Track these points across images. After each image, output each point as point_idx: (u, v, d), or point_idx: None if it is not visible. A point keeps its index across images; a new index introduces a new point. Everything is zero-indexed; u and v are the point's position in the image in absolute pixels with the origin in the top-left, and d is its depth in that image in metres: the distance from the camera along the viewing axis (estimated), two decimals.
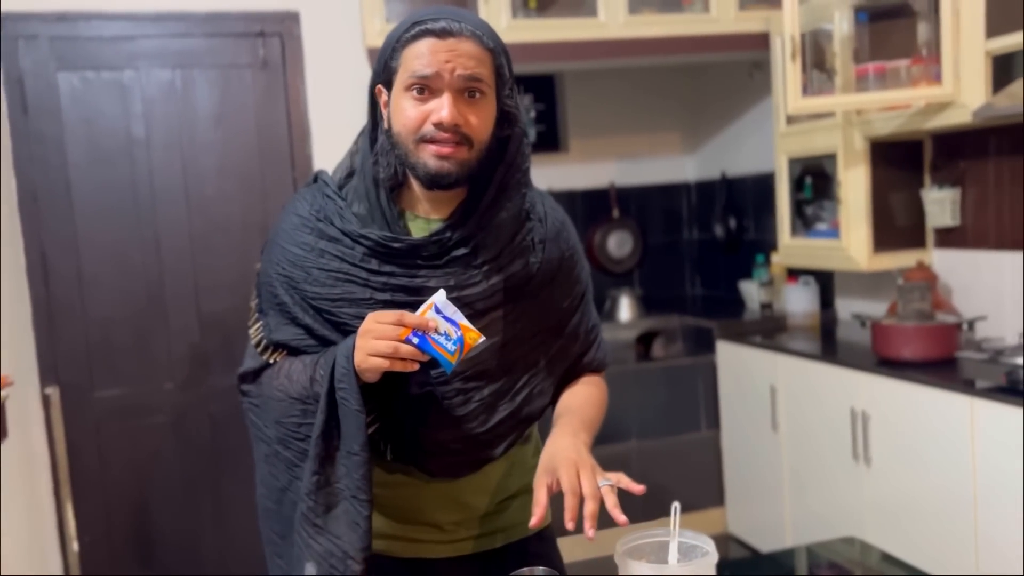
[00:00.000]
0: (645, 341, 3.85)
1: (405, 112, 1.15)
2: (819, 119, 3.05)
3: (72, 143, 2.84)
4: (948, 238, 2.93)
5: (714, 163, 4.22)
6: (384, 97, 1.19)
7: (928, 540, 2.42)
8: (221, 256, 3.00)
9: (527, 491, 1.34)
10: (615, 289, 4.03)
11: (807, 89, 2.79)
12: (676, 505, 1.11)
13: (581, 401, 1.31)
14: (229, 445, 3.01)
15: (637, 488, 1.09)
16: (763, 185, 3.75)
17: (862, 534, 2.60)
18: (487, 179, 1.21)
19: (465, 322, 1.12)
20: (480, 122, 1.16)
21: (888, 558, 1.47)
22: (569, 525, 1.04)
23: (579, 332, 1.35)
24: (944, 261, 2.94)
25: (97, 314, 2.89)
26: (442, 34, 1.12)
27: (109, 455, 2.92)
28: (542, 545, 1.40)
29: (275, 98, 3.01)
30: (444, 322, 1.12)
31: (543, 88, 4.27)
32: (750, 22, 3.37)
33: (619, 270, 4.25)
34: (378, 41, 3.03)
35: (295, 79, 3.02)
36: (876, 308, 3.18)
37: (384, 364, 1.11)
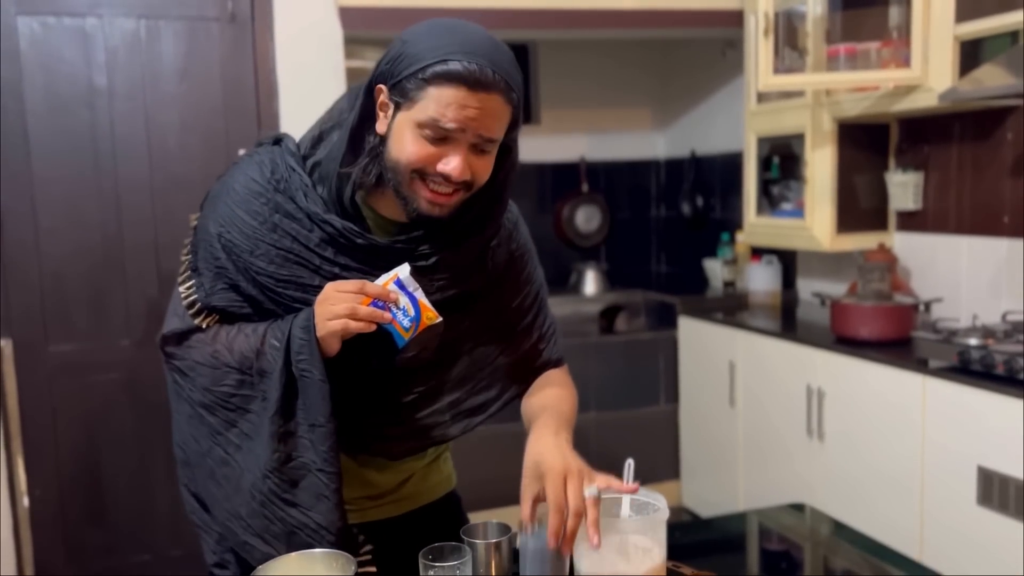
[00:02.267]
0: (608, 315, 3.87)
1: (410, 147, 1.08)
2: (789, 99, 3.07)
3: (31, 90, 2.76)
4: (910, 221, 2.97)
5: (684, 141, 4.23)
6: (384, 99, 1.11)
7: (875, 513, 2.48)
8: (182, 213, 2.91)
9: (428, 465, 1.36)
10: (581, 263, 4.05)
11: (778, 67, 2.80)
12: (630, 462, 1.12)
13: (554, 399, 1.28)
14: None
15: (629, 489, 1.08)
16: (731, 164, 3.77)
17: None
18: (469, 200, 1.15)
19: (425, 301, 1.11)
20: (484, 170, 1.12)
21: (835, 523, 1.50)
22: (551, 543, 1.02)
23: (532, 330, 1.32)
24: (905, 244, 2.99)
25: (52, 267, 2.83)
26: (475, 86, 1.04)
27: (62, 410, 2.86)
28: (449, 505, 1.41)
29: (242, 53, 2.95)
30: (404, 296, 1.10)
31: (517, 58, 4.23)
32: None
33: (586, 244, 4.27)
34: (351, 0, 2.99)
35: (263, 35, 2.95)
36: (837, 288, 3.22)
37: (338, 325, 1.08)
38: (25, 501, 2.84)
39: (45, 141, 2.79)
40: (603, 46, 4.22)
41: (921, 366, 2.33)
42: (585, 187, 4.26)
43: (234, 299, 1.19)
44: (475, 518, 1.25)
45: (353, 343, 1.12)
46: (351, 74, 3.16)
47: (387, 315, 1.09)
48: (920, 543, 2.34)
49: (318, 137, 1.20)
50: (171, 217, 2.92)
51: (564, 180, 4.24)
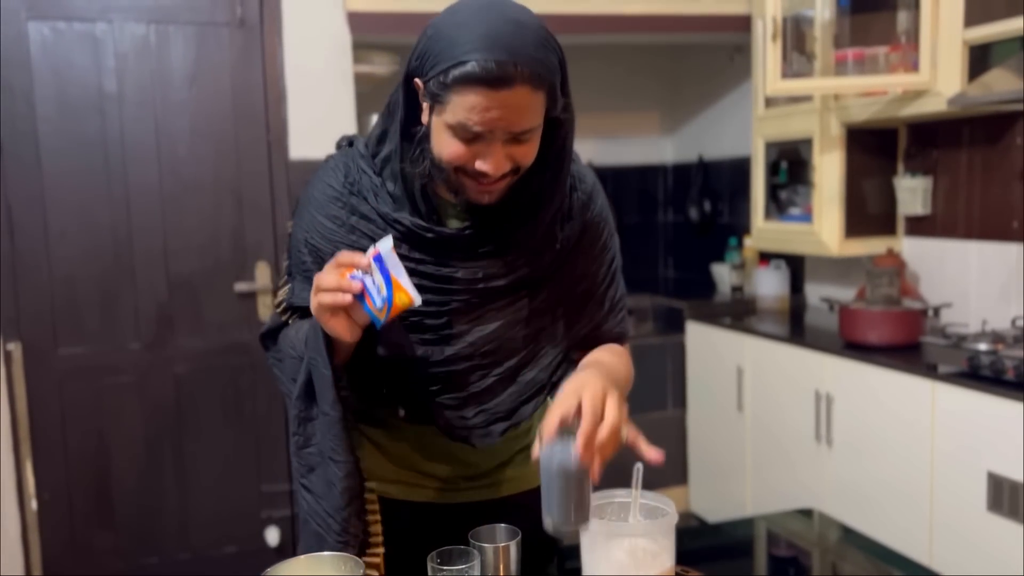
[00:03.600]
0: None
1: (447, 148, 1.07)
2: (797, 103, 3.06)
3: (41, 95, 2.78)
4: (918, 226, 2.96)
5: (692, 146, 4.23)
6: (423, 91, 1.08)
7: (885, 519, 2.47)
8: (191, 218, 2.95)
9: (525, 449, 1.36)
10: None
11: (786, 72, 2.80)
12: (639, 466, 1.12)
13: (608, 359, 1.24)
14: (193, 406, 2.98)
15: (655, 455, 1.02)
16: (739, 169, 3.77)
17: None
18: (531, 172, 1.13)
19: (402, 281, 1.05)
20: (527, 155, 1.10)
21: (843, 528, 1.49)
22: (580, 447, 0.95)
23: (604, 300, 1.30)
24: (913, 249, 2.98)
25: (63, 271, 2.84)
26: (495, 84, 1.00)
27: (71, 414, 2.88)
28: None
29: (251, 58, 2.96)
30: (379, 273, 1.05)
31: None
32: (732, 3, 3.37)
33: None
34: (359, 4, 3.00)
35: (272, 39, 2.97)
36: (845, 294, 3.21)
37: (315, 303, 1.07)
38: (34, 504, 2.85)
39: (56, 146, 2.80)
40: (611, 51, 4.22)
41: (930, 371, 2.32)
42: None
43: None
44: None
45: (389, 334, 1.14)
46: (359, 79, 3.17)
47: (354, 284, 1.04)
48: (929, 549, 2.33)
49: (382, 133, 1.20)
50: (181, 221, 2.93)
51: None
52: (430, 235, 1.15)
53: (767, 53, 2.74)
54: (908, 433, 2.38)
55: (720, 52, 3.90)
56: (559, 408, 0.99)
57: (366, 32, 3.07)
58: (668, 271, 4.47)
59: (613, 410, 0.99)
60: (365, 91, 3.38)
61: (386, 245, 1.06)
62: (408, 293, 1.05)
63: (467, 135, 1.05)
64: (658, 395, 3.55)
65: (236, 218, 2.99)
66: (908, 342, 2.59)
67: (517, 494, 1.35)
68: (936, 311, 2.72)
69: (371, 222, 1.17)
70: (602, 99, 4.26)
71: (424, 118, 1.10)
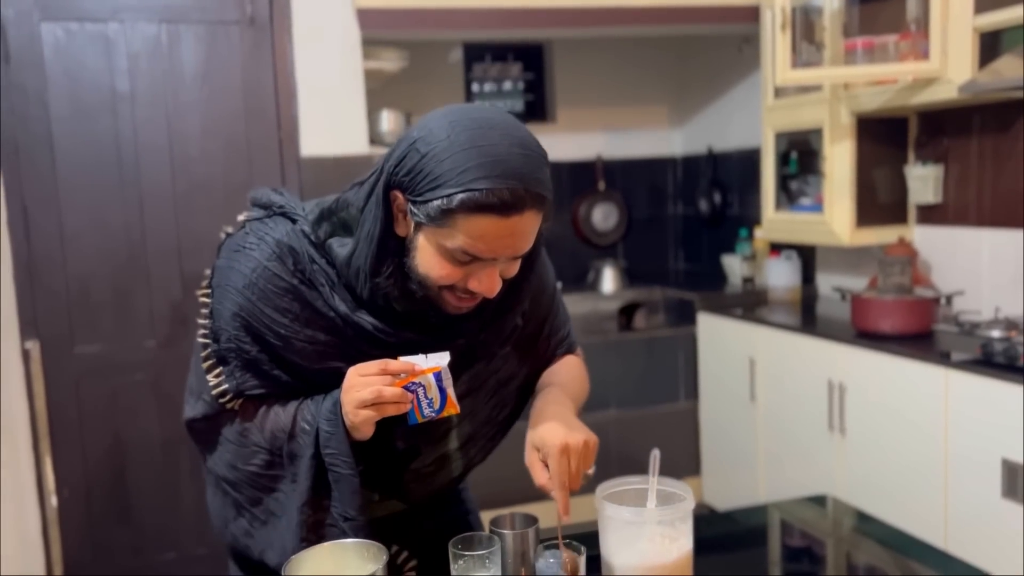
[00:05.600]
0: (627, 312, 3.88)
1: (438, 268, 1.02)
2: (806, 93, 3.06)
3: (55, 96, 2.80)
4: (930, 215, 2.96)
5: (701, 138, 4.23)
6: (402, 205, 1.02)
7: (899, 508, 2.47)
8: (204, 217, 2.97)
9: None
10: (599, 261, 4.05)
11: (795, 62, 2.80)
12: (656, 452, 1.13)
13: (564, 378, 1.29)
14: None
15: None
16: (749, 160, 3.77)
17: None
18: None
19: (453, 396, 1.07)
20: (514, 271, 1.08)
21: (858, 514, 1.50)
22: (562, 514, 1.07)
23: (551, 335, 1.32)
24: (925, 237, 2.98)
25: (78, 270, 2.87)
26: (507, 211, 0.96)
27: (88, 411, 2.90)
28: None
29: (262, 57, 2.98)
30: (435, 388, 1.06)
31: (532, 57, 4.25)
32: None
33: (603, 243, 4.27)
34: (367, 1, 3.01)
35: (282, 38, 2.98)
36: (857, 283, 3.21)
37: (373, 414, 1.04)
38: (53, 500, 2.88)
39: (69, 147, 2.83)
40: (619, 44, 4.22)
41: (943, 359, 2.32)
42: (602, 185, 4.26)
43: (267, 385, 1.15)
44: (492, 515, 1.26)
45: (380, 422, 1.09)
46: (369, 75, 3.18)
47: (410, 396, 1.05)
48: (944, 537, 2.33)
49: (319, 218, 1.13)
50: (193, 220, 2.96)
51: (581, 178, 4.25)
52: (392, 340, 1.11)
53: (776, 43, 2.73)
54: (921, 421, 2.39)
55: (729, 43, 3.89)
56: (535, 466, 1.09)
57: (375, 29, 3.08)
58: (679, 264, 4.47)
59: (574, 474, 1.08)
60: (375, 88, 3.39)
61: (444, 361, 1.05)
62: (456, 407, 1.07)
63: (465, 259, 1.01)
64: (670, 387, 3.56)
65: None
66: (921, 330, 2.59)
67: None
68: (948, 299, 2.71)
69: (326, 318, 1.11)
70: (611, 92, 4.27)
71: (401, 229, 1.04)
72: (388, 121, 3.30)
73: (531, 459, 1.10)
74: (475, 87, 4.17)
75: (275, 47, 2.99)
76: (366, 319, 1.10)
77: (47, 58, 2.78)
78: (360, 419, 1.05)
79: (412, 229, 1.03)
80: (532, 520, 1.14)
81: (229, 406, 1.16)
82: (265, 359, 1.13)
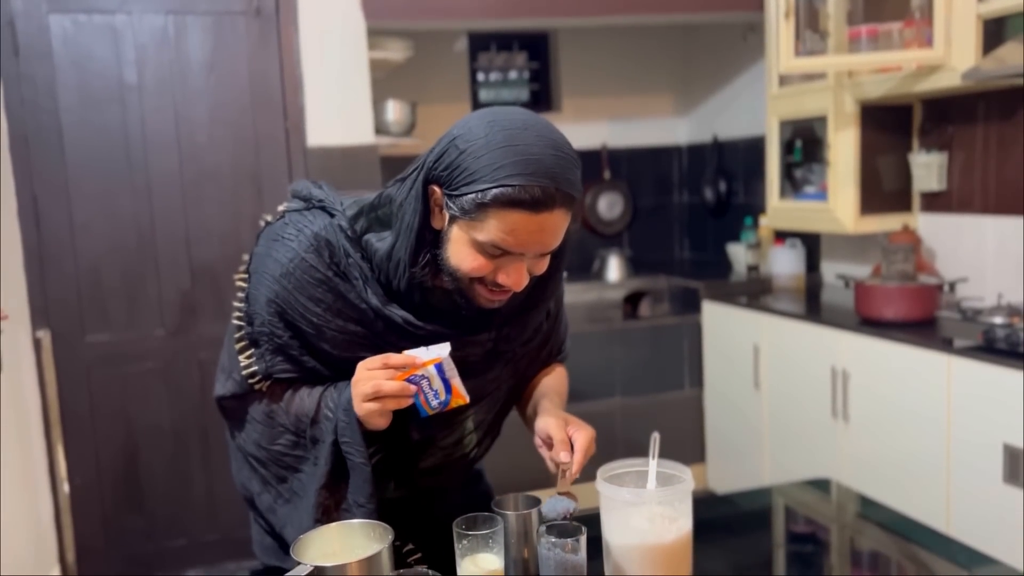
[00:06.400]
0: (632, 301, 3.89)
1: (470, 261, 1.07)
2: (810, 81, 3.07)
3: (63, 87, 2.83)
4: (934, 202, 2.96)
5: (706, 126, 4.23)
6: (439, 199, 1.07)
7: (902, 493, 2.49)
8: (212, 206, 3.00)
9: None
10: (604, 250, 4.07)
11: (800, 50, 2.80)
12: (656, 435, 1.15)
13: (556, 386, 1.35)
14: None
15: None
16: (754, 149, 3.77)
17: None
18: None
19: (459, 386, 1.09)
20: (543, 267, 1.12)
21: (861, 498, 1.52)
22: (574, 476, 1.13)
23: (552, 337, 1.37)
24: (929, 225, 2.98)
25: (88, 260, 2.90)
26: (537, 207, 1.01)
27: (99, 399, 2.94)
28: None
29: (268, 47, 3.00)
30: (438, 379, 1.08)
31: (537, 46, 4.26)
32: None
33: (609, 231, 4.29)
34: None
35: (288, 28, 3.00)
36: (861, 271, 3.22)
37: (376, 407, 1.08)
38: (66, 487, 2.92)
39: (78, 137, 2.86)
40: (623, 32, 4.22)
41: (946, 346, 2.33)
42: (607, 174, 4.27)
43: (295, 370, 1.20)
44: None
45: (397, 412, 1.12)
46: (375, 65, 3.20)
47: (412, 388, 1.07)
48: (947, 522, 2.35)
49: (357, 214, 1.17)
50: (201, 210, 2.98)
51: (586, 167, 4.19)
52: (421, 332, 1.15)
53: (780, 31, 2.74)
54: (924, 407, 2.40)
55: (733, 31, 3.89)
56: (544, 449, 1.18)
57: (380, 19, 3.10)
58: (684, 252, 4.48)
59: (581, 439, 1.16)
60: (380, 77, 3.41)
61: (444, 352, 1.08)
62: (464, 397, 1.10)
63: (495, 252, 1.05)
64: (675, 375, 3.58)
65: (255, 205, 3.03)
66: (924, 317, 2.60)
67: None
68: (952, 286, 2.72)
69: (359, 311, 1.15)
70: (616, 81, 4.27)
71: (437, 222, 1.09)
72: (393, 111, 3.31)
73: (556, 437, 1.16)
74: (480, 76, 4.18)
75: (281, 37, 3.01)
76: (396, 312, 1.14)
77: (56, 49, 2.81)
78: (364, 412, 1.09)
79: (447, 222, 1.07)
80: (535, 501, 1.17)
81: (258, 387, 1.21)
82: (296, 345, 1.17)
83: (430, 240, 1.09)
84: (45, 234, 2.85)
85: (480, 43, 4.15)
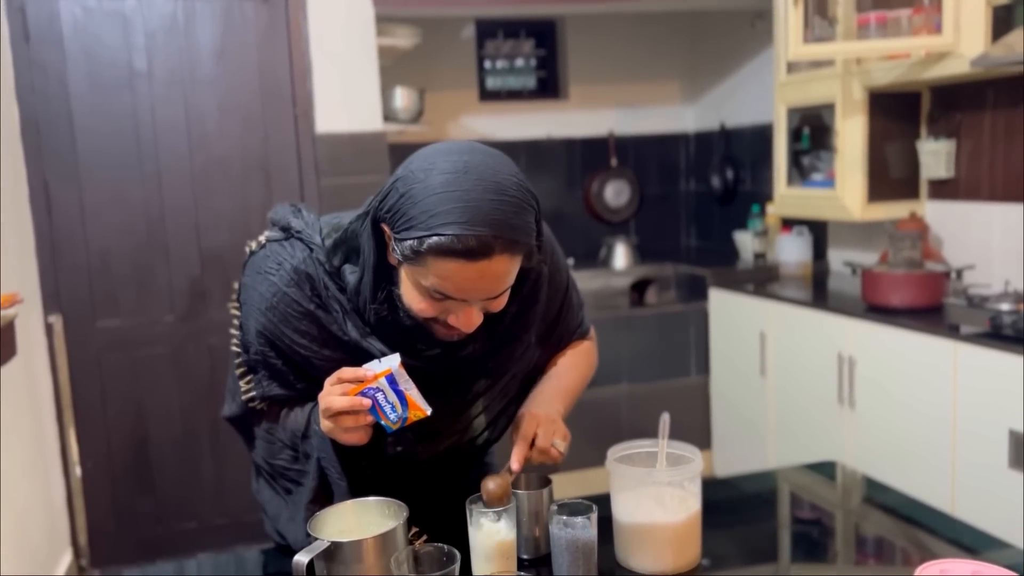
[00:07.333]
0: (639, 288, 3.91)
1: (417, 302, 1.07)
2: (819, 68, 3.06)
3: (74, 73, 2.84)
4: (941, 190, 2.97)
5: (713, 114, 4.23)
6: (391, 241, 1.05)
7: (907, 479, 2.50)
8: (221, 193, 3.02)
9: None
10: (611, 237, 4.08)
11: (808, 37, 2.80)
12: (665, 416, 1.16)
13: (564, 367, 1.35)
14: (226, 376, 3.06)
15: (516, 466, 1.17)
16: (761, 136, 3.77)
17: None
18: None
19: (415, 397, 1.07)
20: (499, 305, 1.10)
21: (867, 480, 1.53)
22: (514, 466, 1.14)
23: (563, 322, 1.37)
24: (936, 212, 2.98)
25: (99, 246, 2.92)
26: (474, 256, 0.98)
27: (110, 384, 2.97)
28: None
29: (277, 34, 3.01)
30: (392, 392, 1.06)
31: (544, 33, 4.26)
32: None
33: (615, 219, 4.29)
34: None
35: (296, 14, 3.01)
36: (868, 258, 3.23)
37: (331, 425, 1.07)
38: (78, 471, 2.95)
39: (89, 124, 2.87)
40: (631, 20, 4.22)
41: (953, 332, 2.34)
42: (614, 162, 4.28)
43: (291, 393, 1.22)
44: None
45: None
46: (383, 52, 3.20)
47: (365, 402, 1.05)
48: (952, 507, 2.36)
49: (335, 245, 1.16)
50: (210, 196, 3.00)
51: (593, 155, 4.26)
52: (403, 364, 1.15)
53: (789, 18, 2.73)
54: (930, 394, 2.41)
55: (741, 18, 3.89)
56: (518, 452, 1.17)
57: (388, 5, 3.10)
58: (690, 240, 4.49)
59: (543, 437, 1.17)
60: (388, 64, 3.42)
61: (394, 363, 1.06)
62: (422, 408, 1.07)
63: (439, 296, 1.04)
64: (681, 362, 3.59)
65: (264, 192, 3.05)
66: (930, 304, 2.61)
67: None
68: (959, 273, 2.73)
69: (341, 342, 1.16)
70: (622, 68, 4.27)
71: (392, 259, 1.08)
72: (401, 98, 3.32)
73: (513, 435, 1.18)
74: (487, 64, 4.18)
75: (290, 24, 3.01)
76: (375, 345, 1.15)
77: (66, 36, 2.82)
78: (326, 429, 1.09)
79: (398, 263, 1.07)
80: (546, 481, 1.19)
81: (258, 408, 1.26)
82: (289, 372, 1.21)
83: (388, 276, 1.10)
84: (56, 220, 2.87)
85: (487, 30, 4.15)
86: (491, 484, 1.10)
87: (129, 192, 2.93)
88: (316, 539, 0.99)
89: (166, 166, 2.96)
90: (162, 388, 3.02)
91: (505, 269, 1.03)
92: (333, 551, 0.97)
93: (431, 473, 1.29)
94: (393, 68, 3.55)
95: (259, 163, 3.05)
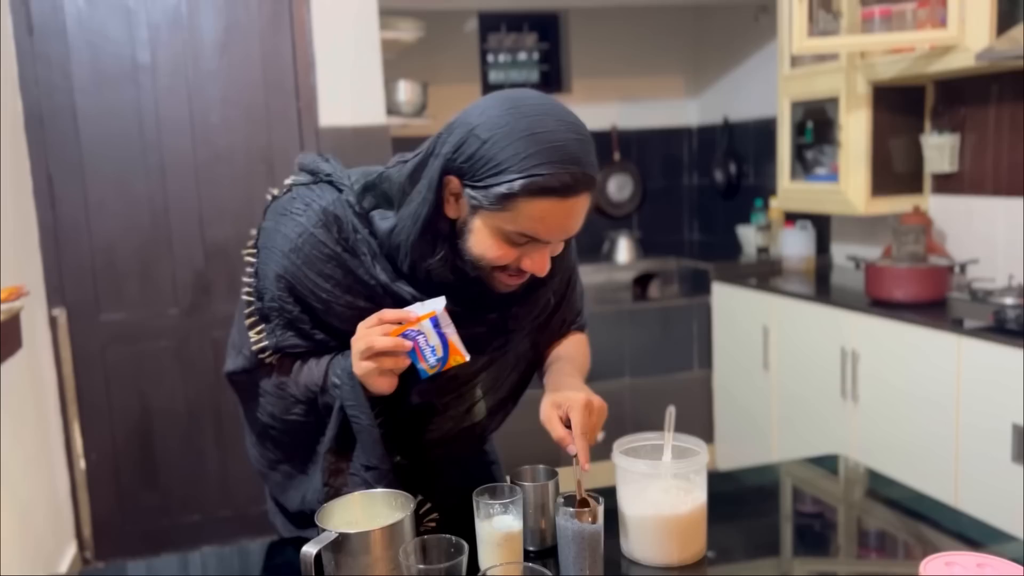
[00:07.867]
0: (642, 282, 3.91)
1: (495, 250, 1.06)
2: (823, 62, 3.06)
3: (77, 66, 2.84)
4: (945, 184, 2.96)
5: (716, 108, 4.22)
6: (455, 189, 1.06)
7: (910, 473, 2.50)
8: (225, 185, 3.02)
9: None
10: (613, 231, 4.08)
11: (812, 30, 2.79)
12: (671, 409, 1.17)
13: (570, 352, 1.34)
14: None
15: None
16: (764, 130, 3.77)
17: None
18: None
19: (456, 342, 1.07)
20: (561, 247, 1.14)
21: (870, 473, 1.54)
22: (583, 464, 1.08)
23: (567, 310, 1.37)
24: (940, 206, 2.98)
25: (103, 239, 2.92)
26: (567, 193, 1.01)
27: (114, 377, 2.97)
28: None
29: (280, 26, 3.00)
30: (435, 335, 1.06)
31: (547, 27, 4.25)
32: None
33: (618, 213, 4.29)
34: None
35: (300, 7, 3.00)
36: (872, 252, 3.23)
37: (372, 365, 1.07)
38: (82, 464, 2.96)
39: (92, 116, 2.87)
40: (634, 13, 4.21)
41: (956, 326, 2.34)
42: (617, 156, 4.27)
43: (305, 343, 1.19)
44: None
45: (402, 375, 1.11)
46: (386, 45, 3.20)
47: (407, 343, 1.05)
48: (956, 501, 2.37)
49: (364, 189, 1.16)
50: (214, 189, 3.00)
51: (596, 149, 4.25)
52: None
53: (793, 11, 2.73)
54: (934, 388, 2.41)
55: (745, 12, 3.88)
56: (554, 421, 1.12)
57: None
58: (694, 234, 4.49)
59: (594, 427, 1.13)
60: (391, 58, 3.41)
61: (439, 305, 1.06)
62: (462, 353, 1.07)
63: (522, 240, 1.05)
64: (684, 356, 3.60)
65: (268, 185, 3.05)
66: (934, 298, 2.61)
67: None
68: (963, 267, 2.73)
69: (367, 286, 1.15)
70: (626, 62, 4.26)
71: (452, 211, 1.08)
72: (405, 91, 3.32)
73: (549, 415, 1.14)
74: (490, 57, 4.18)
75: (293, 17, 3.01)
76: (405, 289, 1.14)
77: (69, 28, 2.82)
78: (362, 371, 1.08)
79: (467, 212, 1.06)
80: (552, 473, 1.19)
81: (268, 361, 1.20)
82: (306, 319, 1.17)
83: (445, 231, 1.09)
84: (60, 213, 2.87)
85: (490, 23, 4.15)
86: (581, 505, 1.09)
87: (133, 185, 2.93)
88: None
89: (170, 159, 2.96)
90: (166, 381, 3.02)
91: (585, 206, 1.06)
92: (341, 542, 0.97)
93: (436, 456, 1.28)
94: (396, 61, 3.55)
95: (263, 156, 3.05)
